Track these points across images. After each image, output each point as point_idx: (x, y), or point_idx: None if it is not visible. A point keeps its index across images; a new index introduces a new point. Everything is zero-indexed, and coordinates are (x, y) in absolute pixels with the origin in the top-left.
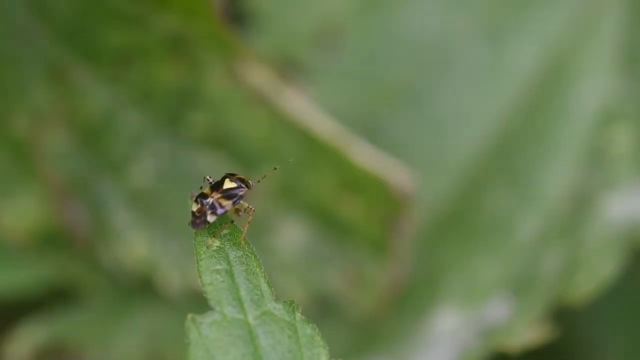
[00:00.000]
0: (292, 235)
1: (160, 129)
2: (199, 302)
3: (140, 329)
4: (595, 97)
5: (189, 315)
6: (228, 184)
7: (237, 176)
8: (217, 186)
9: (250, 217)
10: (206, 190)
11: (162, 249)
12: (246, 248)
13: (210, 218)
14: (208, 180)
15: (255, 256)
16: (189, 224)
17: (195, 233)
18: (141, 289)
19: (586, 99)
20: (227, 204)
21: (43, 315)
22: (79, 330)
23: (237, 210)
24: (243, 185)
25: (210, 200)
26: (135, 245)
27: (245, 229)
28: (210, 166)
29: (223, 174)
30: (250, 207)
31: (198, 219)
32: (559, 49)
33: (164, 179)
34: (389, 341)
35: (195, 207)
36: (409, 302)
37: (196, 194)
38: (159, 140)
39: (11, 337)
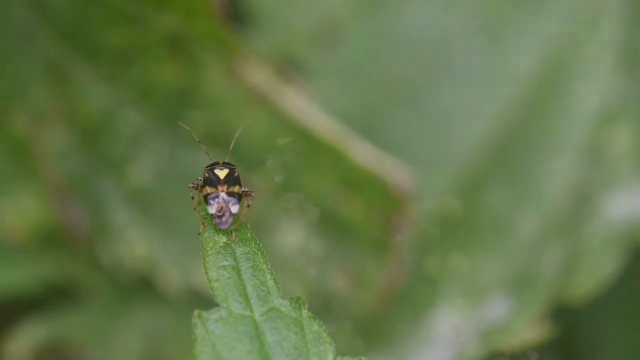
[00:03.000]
0: (292, 235)
1: (160, 128)
2: (198, 301)
3: (140, 328)
4: (595, 96)
5: (196, 311)
6: (222, 172)
7: (220, 163)
8: (215, 180)
9: (251, 201)
10: (208, 189)
11: (161, 248)
12: (253, 244)
13: (234, 209)
14: (192, 187)
15: (262, 252)
16: (219, 226)
17: (204, 229)
18: (141, 288)
19: (586, 98)
20: (237, 188)
21: (43, 314)
22: (78, 328)
23: (245, 192)
24: (232, 166)
25: (223, 194)
26: (134, 244)
27: (244, 212)
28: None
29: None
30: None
31: (224, 216)
32: (559, 49)
33: (163, 178)
34: (389, 340)
35: (214, 209)
36: (408, 301)
37: (193, 186)
38: (159, 139)
39: (11, 335)
